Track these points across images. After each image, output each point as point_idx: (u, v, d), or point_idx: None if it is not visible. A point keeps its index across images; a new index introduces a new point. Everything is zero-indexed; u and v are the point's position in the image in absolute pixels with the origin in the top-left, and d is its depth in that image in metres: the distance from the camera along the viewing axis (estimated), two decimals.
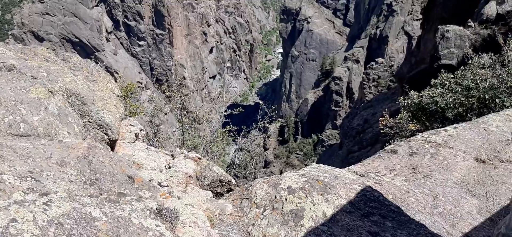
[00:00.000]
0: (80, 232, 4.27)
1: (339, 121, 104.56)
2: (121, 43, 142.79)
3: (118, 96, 8.24)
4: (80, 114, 7.17)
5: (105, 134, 7.26)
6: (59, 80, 7.27)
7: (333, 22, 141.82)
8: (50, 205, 4.46)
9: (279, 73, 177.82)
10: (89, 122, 7.19)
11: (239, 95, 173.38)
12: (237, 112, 18.72)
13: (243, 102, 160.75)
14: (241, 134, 18.67)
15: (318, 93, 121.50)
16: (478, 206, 7.79)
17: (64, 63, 8.33)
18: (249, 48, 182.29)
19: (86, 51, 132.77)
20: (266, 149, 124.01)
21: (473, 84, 13.02)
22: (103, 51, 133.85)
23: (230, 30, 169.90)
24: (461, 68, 15.31)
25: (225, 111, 18.37)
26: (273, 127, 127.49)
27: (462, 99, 12.98)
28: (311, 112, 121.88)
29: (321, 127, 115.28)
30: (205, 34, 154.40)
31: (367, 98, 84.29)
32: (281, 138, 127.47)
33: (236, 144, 19.42)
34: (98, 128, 7.24)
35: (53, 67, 7.71)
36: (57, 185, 4.91)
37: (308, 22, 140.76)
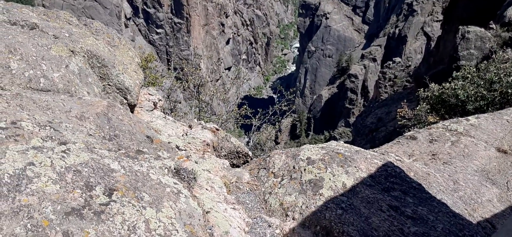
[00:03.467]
0: (98, 180, 4.23)
1: (352, 119, 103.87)
2: (139, 30, 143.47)
3: (138, 64, 8.20)
4: (100, 77, 7.14)
5: (125, 97, 7.22)
6: (81, 42, 7.25)
7: (352, 19, 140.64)
8: (68, 153, 4.42)
9: (295, 68, 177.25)
10: (109, 85, 7.15)
11: (253, 88, 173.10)
12: (253, 95, 18.61)
13: (257, 95, 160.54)
14: (257, 117, 18.50)
15: (333, 89, 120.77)
16: (498, 195, 7.63)
17: (86, 28, 8.33)
18: (266, 41, 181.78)
19: None
20: (277, 143, 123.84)
21: (496, 78, 12.75)
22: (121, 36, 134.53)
23: (248, 22, 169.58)
24: (484, 62, 15.01)
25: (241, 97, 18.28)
26: (286, 122, 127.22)
27: (484, 92, 12.72)
28: (324, 108, 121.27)
29: (333, 124, 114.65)
30: (222, 25, 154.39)
31: (382, 97, 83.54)
32: (293, 133, 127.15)
33: (249, 135, 19.25)
34: (118, 91, 7.20)
35: (75, 30, 7.71)
36: (76, 137, 4.88)
37: (326, 18, 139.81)
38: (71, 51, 6.85)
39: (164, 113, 11.02)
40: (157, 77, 12.70)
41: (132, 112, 7.69)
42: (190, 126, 7.96)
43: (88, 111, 5.53)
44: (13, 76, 5.79)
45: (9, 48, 6.11)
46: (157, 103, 8.50)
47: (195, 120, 9.24)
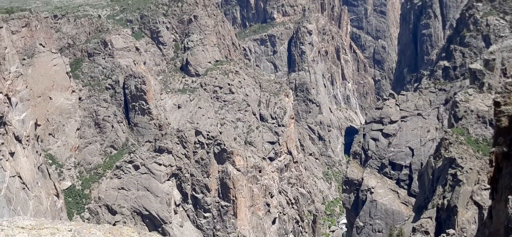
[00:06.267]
0: None
1: None
2: (188, 215, 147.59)
3: None
4: None
5: None
6: None
7: (398, 192, 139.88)
8: None
9: None
10: None
11: None
12: None
13: None
14: None
15: None
16: None
17: None
18: (312, 218, 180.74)
19: (154, 223, 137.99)
20: None
21: None
22: (170, 223, 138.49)
23: (293, 201, 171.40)
24: None
25: None
26: None
27: None
28: None
29: None
30: (268, 205, 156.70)
31: None
32: None
33: None
34: None
35: None
36: None
37: (371, 192, 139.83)
38: None
39: None
40: None
41: None
42: None
43: None
44: None
45: None
46: None
47: None
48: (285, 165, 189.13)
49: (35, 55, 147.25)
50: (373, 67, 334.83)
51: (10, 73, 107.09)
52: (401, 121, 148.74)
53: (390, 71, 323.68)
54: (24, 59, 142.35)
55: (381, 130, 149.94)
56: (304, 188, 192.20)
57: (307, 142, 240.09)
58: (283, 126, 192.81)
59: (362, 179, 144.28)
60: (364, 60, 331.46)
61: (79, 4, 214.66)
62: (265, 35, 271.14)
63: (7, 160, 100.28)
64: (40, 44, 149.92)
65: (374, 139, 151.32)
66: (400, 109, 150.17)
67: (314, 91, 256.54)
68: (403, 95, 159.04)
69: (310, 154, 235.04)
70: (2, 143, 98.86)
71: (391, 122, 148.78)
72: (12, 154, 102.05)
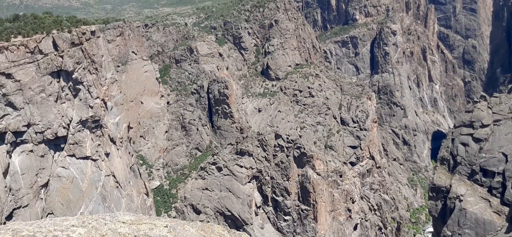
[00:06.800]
0: None
1: None
2: (268, 218, 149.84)
3: None
4: None
5: None
6: None
7: (489, 201, 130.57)
8: None
9: None
10: None
11: None
12: None
13: None
14: None
15: None
16: None
17: None
18: (396, 226, 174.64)
19: (236, 224, 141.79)
20: None
21: None
22: (251, 224, 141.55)
23: (375, 207, 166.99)
24: None
25: None
26: None
27: None
28: None
29: None
30: (349, 210, 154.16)
31: None
32: None
33: None
34: None
35: None
36: None
37: (460, 200, 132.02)
38: None
39: None
40: None
41: None
42: None
43: None
44: None
45: None
46: None
47: None
48: (367, 170, 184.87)
49: (128, 62, 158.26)
50: (463, 68, 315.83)
51: (106, 79, 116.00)
52: (494, 125, 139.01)
53: (481, 72, 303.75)
54: (118, 66, 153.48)
55: (471, 134, 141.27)
56: (387, 194, 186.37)
57: (390, 147, 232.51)
58: (365, 130, 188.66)
59: (450, 186, 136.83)
60: (452, 61, 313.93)
61: (168, 13, 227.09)
62: (346, 37, 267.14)
63: (103, 160, 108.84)
64: (133, 52, 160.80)
65: (464, 144, 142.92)
66: (493, 112, 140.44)
67: (399, 93, 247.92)
68: (496, 97, 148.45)
69: (394, 159, 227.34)
70: (99, 145, 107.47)
71: (483, 126, 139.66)
72: (107, 154, 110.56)
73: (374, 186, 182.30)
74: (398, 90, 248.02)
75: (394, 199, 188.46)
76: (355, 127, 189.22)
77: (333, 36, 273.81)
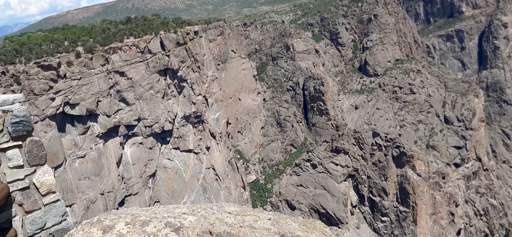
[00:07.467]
0: None
1: None
2: (364, 218, 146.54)
3: None
4: None
5: None
6: None
7: None
8: None
9: None
10: None
11: None
12: None
13: None
14: None
15: None
16: None
17: None
18: (504, 233, 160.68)
19: (331, 222, 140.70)
20: None
21: None
22: (347, 223, 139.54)
23: (481, 212, 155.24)
24: None
25: None
26: None
27: None
28: None
29: None
30: (452, 214, 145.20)
31: None
32: None
33: None
34: None
35: None
36: None
37: None
38: None
39: None
40: None
41: None
42: None
43: None
44: None
45: None
46: None
47: None
48: (473, 172, 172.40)
49: (227, 60, 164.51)
50: None
51: (207, 77, 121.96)
52: None
53: None
54: (218, 64, 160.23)
55: None
56: (495, 198, 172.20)
57: (500, 148, 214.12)
58: (471, 129, 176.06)
59: None
60: None
61: (266, 12, 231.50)
62: (451, 31, 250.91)
63: (204, 154, 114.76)
64: (232, 50, 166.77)
65: None
66: None
67: (510, 91, 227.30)
68: None
69: (504, 162, 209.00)
70: (201, 139, 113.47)
71: None
72: (208, 148, 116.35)
73: (481, 189, 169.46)
74: (509, 87, 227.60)
75: (502, 204, 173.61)
76: (460, 126, 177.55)
77: (437, 29, 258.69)
